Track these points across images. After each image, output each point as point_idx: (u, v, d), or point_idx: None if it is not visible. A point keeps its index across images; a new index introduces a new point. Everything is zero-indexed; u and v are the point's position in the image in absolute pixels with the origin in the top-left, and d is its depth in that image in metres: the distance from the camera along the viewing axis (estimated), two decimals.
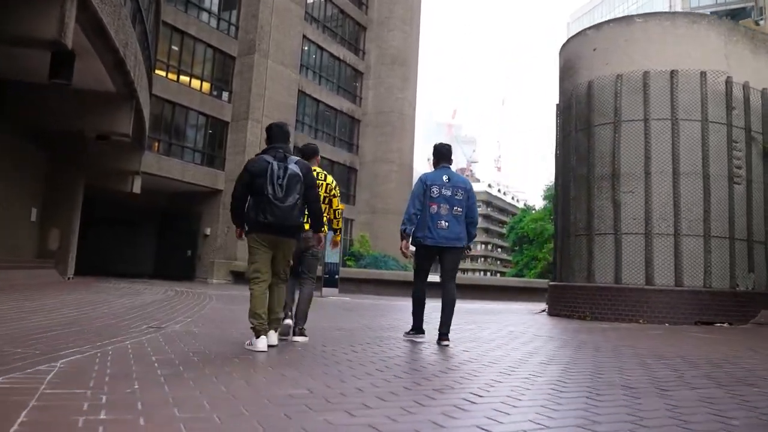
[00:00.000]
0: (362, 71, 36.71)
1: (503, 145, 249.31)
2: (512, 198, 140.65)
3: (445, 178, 5.57)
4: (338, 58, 34.47)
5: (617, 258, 10.45)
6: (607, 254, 10.61)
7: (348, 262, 31.34)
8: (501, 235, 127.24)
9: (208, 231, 25.40)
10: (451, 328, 5.49)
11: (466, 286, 24.63)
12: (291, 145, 5.92)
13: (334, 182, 5.69)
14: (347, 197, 34.78)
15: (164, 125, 23.72)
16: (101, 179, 18.75)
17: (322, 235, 5.10)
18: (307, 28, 31.06)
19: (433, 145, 5.95)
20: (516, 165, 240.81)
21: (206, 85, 25.48)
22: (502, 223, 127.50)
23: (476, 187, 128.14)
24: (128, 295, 10.72)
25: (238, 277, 24.07)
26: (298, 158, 4.62)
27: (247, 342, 4.51)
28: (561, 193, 11.97)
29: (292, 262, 4.87)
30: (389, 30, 36.94)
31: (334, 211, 5.62)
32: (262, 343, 4.33)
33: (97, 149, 15.66)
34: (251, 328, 4.43)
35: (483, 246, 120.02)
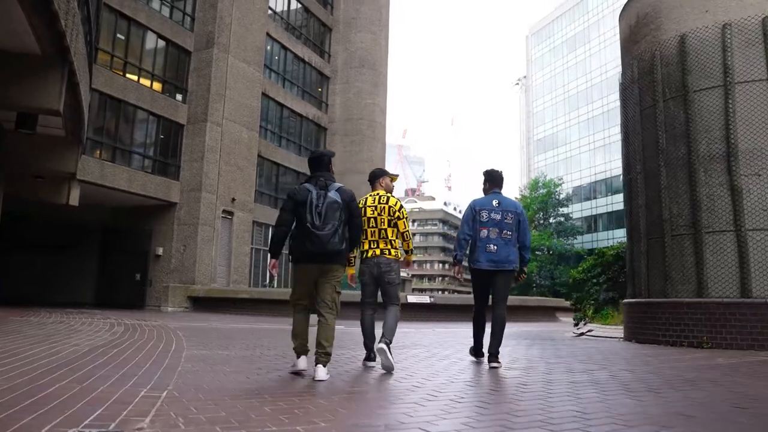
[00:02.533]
0: (328, 75, 33.74)
1: (453, 164, 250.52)
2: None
3: (495, 202, 5.66)
4: (303, 60, 31.42)
5: (743, 263, 7.69)
6: (725, 258, 7.85)
7: None
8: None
9: (160, 251, 21.74)
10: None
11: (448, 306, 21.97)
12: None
13: (399, 203, 5.35)
14: None
15: (108, 126, 20.08)
16: (27, 188, 15.08)
17: (351, 257, 4.98)
18: (271, 24, 27.94)
19: (483, 171, 5.93)
20: (466, 183, 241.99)
21: (158, 83, 22.00)
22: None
23: (431, 206, 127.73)
24: (53, 337, 7.27)
25: (199, 304, 20.48)
26: (341, 185, 4.58)
27: (291, 365, 4.65)
28: (641, 185, 9.18)
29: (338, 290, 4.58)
30: (357, 31, 34.16)
31: (403, 234, 5.32)
32: (302, 363, 4.47)
33: (21, 145, 12.14)
34: (293, 348, 4.59)
35: (440, 265, 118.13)
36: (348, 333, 9.84)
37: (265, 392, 3.63)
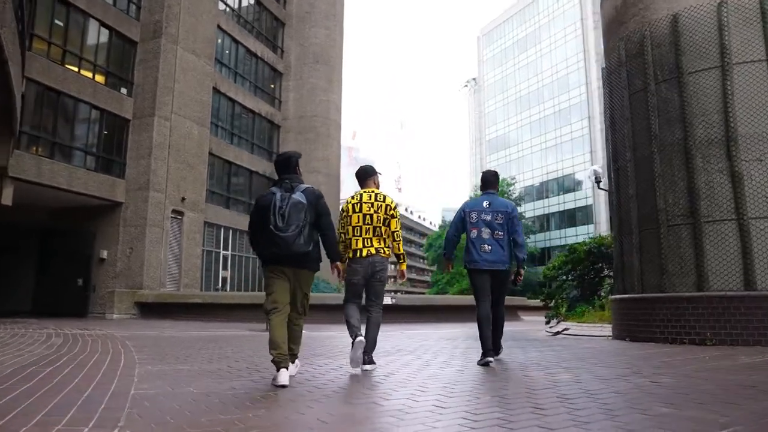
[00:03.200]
0: (282, 71, 32.63)
1: (403, 166, 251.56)
2: (418, 216, 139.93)
3: (485, 203, 5.72)
4: (255, 55, 30.23)
5: (745, 253, 7.20)
6: (726, 249, 7.35)
7: None
8: (410, 255, 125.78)
9: (104, 254, 20.26)
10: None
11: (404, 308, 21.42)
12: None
13: (395, 202, 5.29)
14: None
15: (45, 120, 18.53)
16: None
17: (339, 265, 4.73)
18: (222, 16, 26.71)
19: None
20: (416, 185, 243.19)
21: (101, 74, 20.52)
22: (410, 242, 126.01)
23: None
24: None
25: (148, 310, 19.16)
26: (308, 186, 4.48)
27: (273, 378, 4.26)
28: (631, 173, 8.61)
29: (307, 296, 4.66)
30: (311, 26, 33.16)
31: (393, 233, 5.21)
32: (282, 377, 4.12)
33: None
34: (272, 360, 4.24)
35: (391, 266, 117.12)
36: (314, 338, 8.99)
37: (251, 425, 2.76)
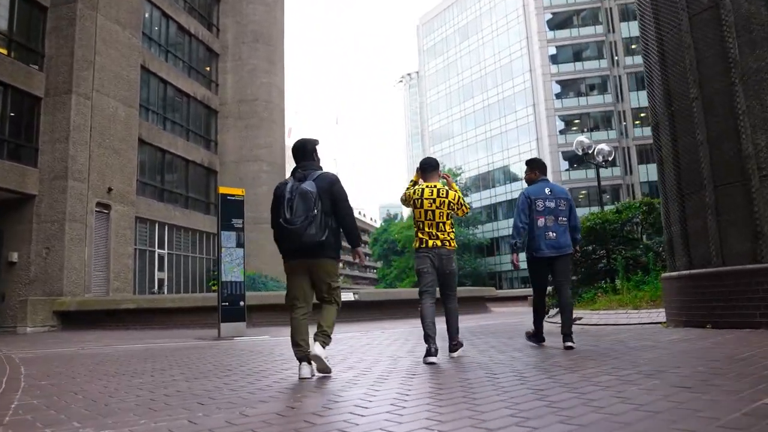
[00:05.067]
0: (218, 51, 29.79)
1: (339, 163, 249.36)
2: (359, 212, 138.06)
3: (547, 190, 5.72)
4: (189, 32, 27.33)
5: None
6: None
7: (213, 287, 24.38)
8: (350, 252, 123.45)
9: (14, 257, 17.14)
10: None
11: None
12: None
13: (458, 197, 5.29)
14: (206, 206, 27.61)
15: None
16: None
17: (360, 250, 4.57)
18: None
19: (527, 160, 6.26)
20: (354, 182, 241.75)
21: (2, 44, 17.34)
22: None
23: None
24: None
25: (70, 320, 16.21)
26: (321, 173, 4.35)
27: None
28: (698, 115, 6.68)
29: (333, 284, 4.37)
30: (248, 2, 30.39)
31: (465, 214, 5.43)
32: (303, 371, 4.15)
33: None
34: (294, 355, 4.31)
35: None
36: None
37: None
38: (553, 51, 58.79)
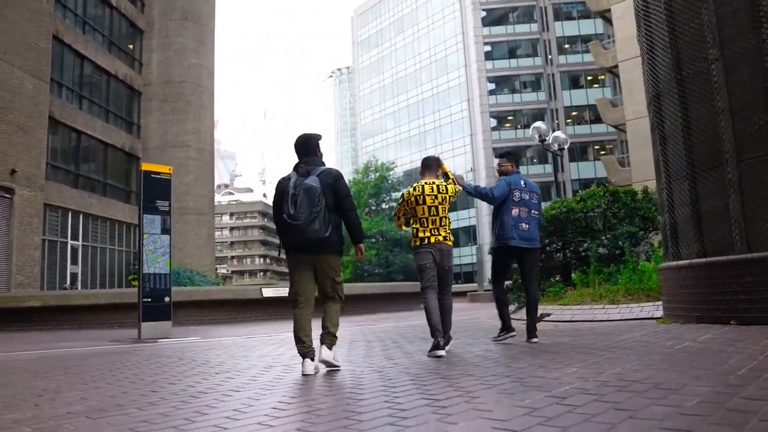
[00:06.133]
0: (143, 28, 27.51)
1: (267, 158, 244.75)
2: None
3: (522, 183, 5.67)
4: (110, 4, 25.00)
5: None
6: None
7: (133, 282, 22.32)
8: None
9: None
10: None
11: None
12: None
13: (457, 189, 5.40)
14: (127, 194, 25.42)
15: None
16: None
17: (362, 246, 4.61)
18: None
19: (502, 152, 6.17)
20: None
21: None
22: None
23: (250, 197, 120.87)
24: None
25: None
26: (325, 168, 4.31)
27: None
28: (718, 79, 5.78)
29: (338, 279, 4.35)
30: None
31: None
32: (307, 367, 4.05)
33: None
34: (298, 352, 4.23)
35: (261, 259, 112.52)
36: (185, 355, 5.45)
37: None
38: (488, 47, 58.85)
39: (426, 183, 5.25)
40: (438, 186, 5.24)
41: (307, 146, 4.41)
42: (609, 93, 43.62)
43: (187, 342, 8.41)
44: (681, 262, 6.19)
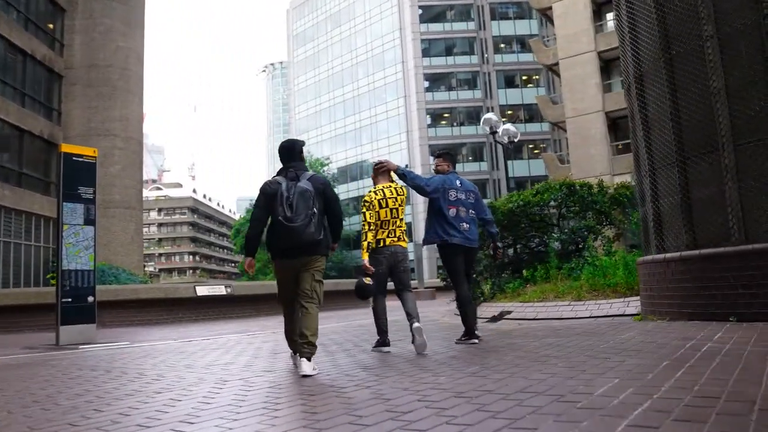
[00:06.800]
0: (64, 6, 25.55)
1: (197, 153, 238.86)
2: (218, 204, 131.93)
3: (458, 182, 5.63)
4: None
5: None
6: None
7: (52, 281, 20.63)
8: (209, 245, 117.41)
9: None
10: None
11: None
12: None
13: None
14: (45, 185, 23.55)
15: None
16: None
17: (335, 246, 4.62)
18: None
19: (439, 152, 6.01)
20: (211, 173, 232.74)
21: None
22: (210, 231, 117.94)
23: (179, 193, 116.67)
24: None
25: None
26: (313, 174, 4.40)
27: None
28: (713, 58, 5.39)
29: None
30: None
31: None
32: (303, 366, 3.97)
33: None
34: (291, 349, 4.50)
35: (191, 256, 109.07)
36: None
37: None
38: (425, 44, 58.78)
39: (386, 187, 5.40)
40: (396, 189, 5.42)
41: (293, 151, 4.48)
42: (543, 93, 44.21)
43: (114, 348, 7.42)
44: (670, 255, 5.77)
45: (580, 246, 11.37)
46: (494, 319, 9.26)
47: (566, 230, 10.96)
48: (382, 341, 5.27)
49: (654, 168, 6.12)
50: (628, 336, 4.82)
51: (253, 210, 4.42)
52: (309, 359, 3.97)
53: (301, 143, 4.67)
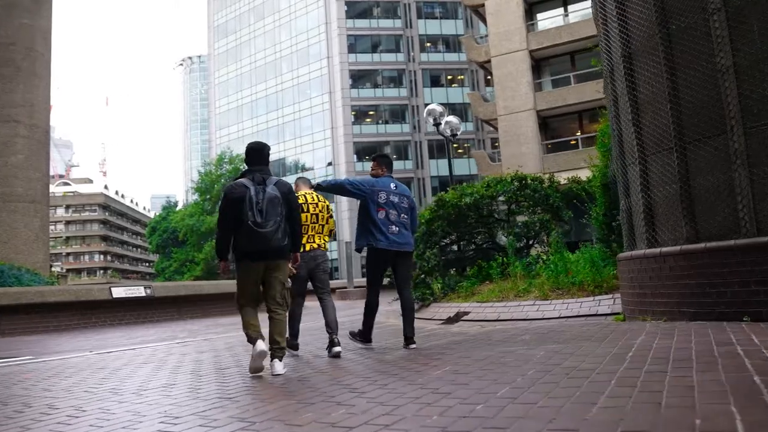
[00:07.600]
0: None
1: (108, 147, 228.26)
2: (131, 201, 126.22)
3: (392, 185, 5.58)
4: None
5: None
6: None
7: None
8: (122, 243, 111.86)
9: None
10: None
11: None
12: None
13: (327, 205, 5.77)
14: None
15: None
16: None
17: (297, 255, 4.74)
18: None
19: (375, 155, 5.94)
20: (124, 169, 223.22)
21: None
22: (123, 229, 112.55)
23: (89, 189, 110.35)
24: None
25: None
26: (278, 179, 4.47)
27: (252, 350, 4.28)
28: (721, 33, 4.91)
29: (288, 284, 4.70)
30: None
31: (331, 231, 5.73)
32: (261, 344, 4.17)
33: None
34: (248, 336, 4.32)
35: (101, 256, 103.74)
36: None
37: None
38: (351, 40, 58.01)
39: (308, 194, 5.60)
40: (316, 196, 5.65)
41: (262, 154, 4.52)
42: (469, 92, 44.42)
43: (13, 364, 6.17)
44: (667, 249, 5.26)
45: (530, 243, 10.93)
46: (450, 320, 8.61)
47: (519, 225, 10.48)
48: (293, 345, 5.42)
49: (645, 155, 5.61)
50: (640, 341, 4.22)
51: (220, 215, 4.39)
52: (280, 360, 4.25)
53: (269, 147, 4.71)
